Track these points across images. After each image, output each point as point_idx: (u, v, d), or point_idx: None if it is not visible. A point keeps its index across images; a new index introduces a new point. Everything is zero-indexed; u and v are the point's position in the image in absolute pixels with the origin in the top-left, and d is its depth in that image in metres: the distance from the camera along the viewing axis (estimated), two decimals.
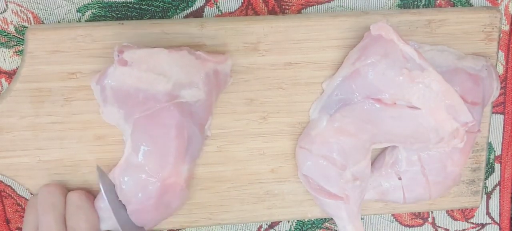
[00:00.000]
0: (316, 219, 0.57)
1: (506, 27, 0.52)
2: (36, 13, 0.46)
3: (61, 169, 0.47)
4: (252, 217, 0.52)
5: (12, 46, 0.47)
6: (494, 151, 0.57)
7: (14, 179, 0.47)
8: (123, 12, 0.47)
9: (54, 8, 0.46)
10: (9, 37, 0.47)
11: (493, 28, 0.48)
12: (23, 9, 0.46)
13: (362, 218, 0.57)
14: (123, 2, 0.47)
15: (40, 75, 0.44)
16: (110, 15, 0.47)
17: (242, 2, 0.48)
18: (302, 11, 0.49)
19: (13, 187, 0.51)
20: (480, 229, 0.60)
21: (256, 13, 0.49)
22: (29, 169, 0.47)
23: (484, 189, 0.57)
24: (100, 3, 0.47)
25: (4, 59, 0.47)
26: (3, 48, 0.47)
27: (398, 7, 0.50)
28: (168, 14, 0.48)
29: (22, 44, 0.46)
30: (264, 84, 0.47)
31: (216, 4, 0.48)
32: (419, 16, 0.47)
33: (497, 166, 0.57)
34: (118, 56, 0.40)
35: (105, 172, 0.44)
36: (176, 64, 0.41)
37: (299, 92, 0.48)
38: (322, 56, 0.47)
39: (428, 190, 0.50)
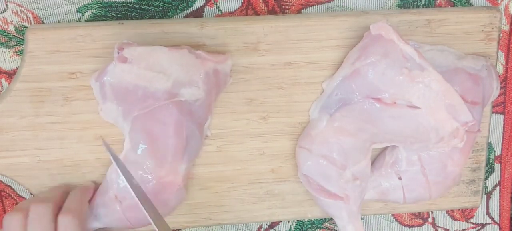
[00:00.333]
0: (316, 219, 0.57)
1: (506, 27, 0.52)
2: (36, 13, 0.46)
3: (61, 169, 0.47)
4: (252, 217, 0.52)
5: (12, 46, 0.47)
6: (494, 151, 0.57)
7: (14, 179, 0.47)
8: (123, 12, 0.47)
9: (54, 8, 0.46)
10: (9, 37, 0.47)
11: (493, 28, 0.48)
12: (23, 9, 0.46)
13: (362, 218, 0.57)
14: (123, 2, 0.47)
15: (40, 75, 0.44)
16: (110, 15, 0.47)
17: (242, 2, 0.48)
18: (302, 11, 0.49)
19: (13, 187, 0.51)
20: (480, 229, 0.60)
21: (256, 13, 0.49)
22: (29, 169, 0.47)
23: (484, 189, 0.57)
24: (100, 3, 0.47)
25: (4, 59, 0.47)
26: (3, 48, 0.47)
27: (398, 7, 0.50)
28: (168, 14, 0.48)
29: (22, 44, 0.46)
30: (264, 84, 0.47)
31: (216, 4, 0.48)
32: (419, 16, 0.47)
33: (497, 166, 0.57)
34: (118, 53, 0.40)
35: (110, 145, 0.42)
36: (176, 62, 0.41)
37: (299, 92, 0.48)
38: (322, 56, 0.47)
39: (428, 190, 0.50)
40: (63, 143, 0.46)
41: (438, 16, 0.47)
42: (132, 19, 0.47)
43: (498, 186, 0.58)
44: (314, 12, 0.49)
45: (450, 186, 0.50)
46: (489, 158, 0.57)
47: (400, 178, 0.50)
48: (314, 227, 0.58)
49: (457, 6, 0.50)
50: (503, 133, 0.56)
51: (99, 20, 0.47)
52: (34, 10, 0.46)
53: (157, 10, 0.48)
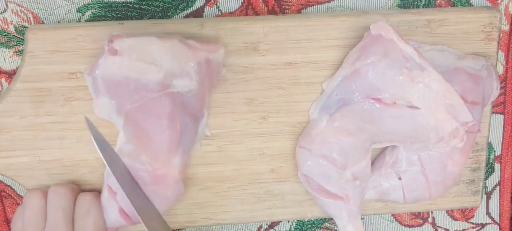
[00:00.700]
0: (316, 219, 0.57)
1: (506, 27, 0.52)
2: (36, 13, 0.46)
3: (61, 169, 0.47)
4: (252, 217, 0.52)
5: (12, 46, 0.47)
6: (494, 151, 0.57)
7: (14, 179, 0.47)
8: (123, 12, 0.47)
9: (54, 8, 0.46)
10: (9, 37, 0.47)
11: (493, 28, 0.48)
12: (23, 9, 0.46)
13: (362, 218, 0.57)
14: (123, 2, 0.47)
15: (40, 75, 0.44)
16: (110, 15, 0.47)
17: (242, 2, 0.48)
18: (302, 11, 0.49)
19: (13, 187, 0.51)
20: (480, 229, 0.60)
21: (256, 13, 0.49)
22: (29, 169, 0.47)
23: (484, 189, 0.57)
24: (100, 3, 0.47)
25: (4, 59, 0.47)
26: (3, 48, 0.47)
27: (398, 7, 0.50)
28: (168, 14, 0.48)
29: (22, 44, 0.46)
30: (264, 84, 0.47)
31: (216, 4, 0.48)
32: (419, 16, 0.47)
33: (497, 166, 0.57)
34: (108, 45, 0.40)
35: (93, 124, 0.43)
36: (167, 53, 0.41)
37: (299, 92, 0.48)
38: (322, 56, 0.47)
39: (428, 190, 0.50)
40: (63, 143, 0.46)
41: (438, 16, 0.47)
42: (132, 19, 0.47)
43: (498, 186, 0.58)
44: (314, 12, 0.49)
45: (450, 186, 0.50)
46: (489, 158, 0.57)
47: (400, 178, 0.50)
48: (314, 227, 0.58)
49: (457, 6, 0.50)
50: (503, 133, 0.56)
51: (99, 20, 0.47)
52: (34, 10, 0.46)
53: (157, 10, 0.48)
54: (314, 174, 0.47)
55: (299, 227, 0.58)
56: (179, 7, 0.48)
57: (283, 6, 0.49)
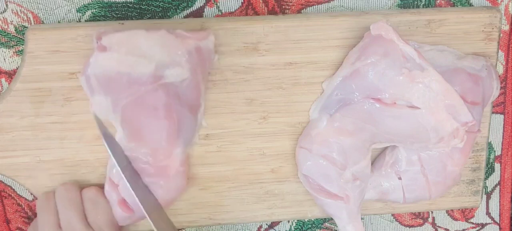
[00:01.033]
0: (316, 219, 0.57)
1: (506, 27, 0.52)
2: (36, 13, 0.46)
3: (61, 169, 0.47)
4: (252, 217, 0.52)
5: (12, 46, 0.47)
6: (494, 151, 0.57)
7: (14, 179, 0.47)
8: (123, 12, 0.47)
9: (54, 8, 0.46)
10: (9, 37, 0.47)
11: (493, 28, 0.48)
12: (23, 9, 0.46)
13: (362, 218, 0.57)
14: (123, 2, 0.47)
15: (40, 75, 0.44)
16: (110, 15, 0.47)
17: (242, 2, 0.48)
18: (302, 11, 0.49)
19: (13, 187, 0.51)
20: (480, 229, 0.60)
21: (256, 13, 0.49)
22: (29, 169, 0.47)
23: (484, 189, 0.57)
24: (100, 3, 0.47)
25: (4, 59, 0.47)
26: (3, 48, 0.47)
27: (398, 7, 0.50)
28: (168, 14, 0.48)
29: (22, 44, 0.46)
30: (264, 84, 0.47)
31: (216, 4, 0.48)
32: (419, 16, 0.47)
33: (497, 166, 0.57)
34: (97, 42, 0.40)
35: (101, 120, 0.43)
36: (156, 44, 0.40)
37: (299, 92, 0.48)
38: (322, 56, 0.47)
39: (428, 190, 0.50)
40: (63, 143, 0.46)
41: (438, 16, 0.47)
42: (132, 19, 0.47)
43: (498, 186, 0.58)
44: (314, 12, 0.49)
45: (450, 186, 0.50)
46: (489, 158, 0.57)
47: (400, 178, 0.50)
48: (314, 227, 0.58)
49: (457, 6, 0.50)
50: (503, 133, 0.56)
51: (99, 20, 0.47)
52: (34, 10, 0.46)
53: (157, 10, 0.48)
54: (314, 174, 0.47)
55: (299, 227, 0.58)
56: (179, 7, 0.48)
57: (283, 6, 0.49)
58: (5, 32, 0.46)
